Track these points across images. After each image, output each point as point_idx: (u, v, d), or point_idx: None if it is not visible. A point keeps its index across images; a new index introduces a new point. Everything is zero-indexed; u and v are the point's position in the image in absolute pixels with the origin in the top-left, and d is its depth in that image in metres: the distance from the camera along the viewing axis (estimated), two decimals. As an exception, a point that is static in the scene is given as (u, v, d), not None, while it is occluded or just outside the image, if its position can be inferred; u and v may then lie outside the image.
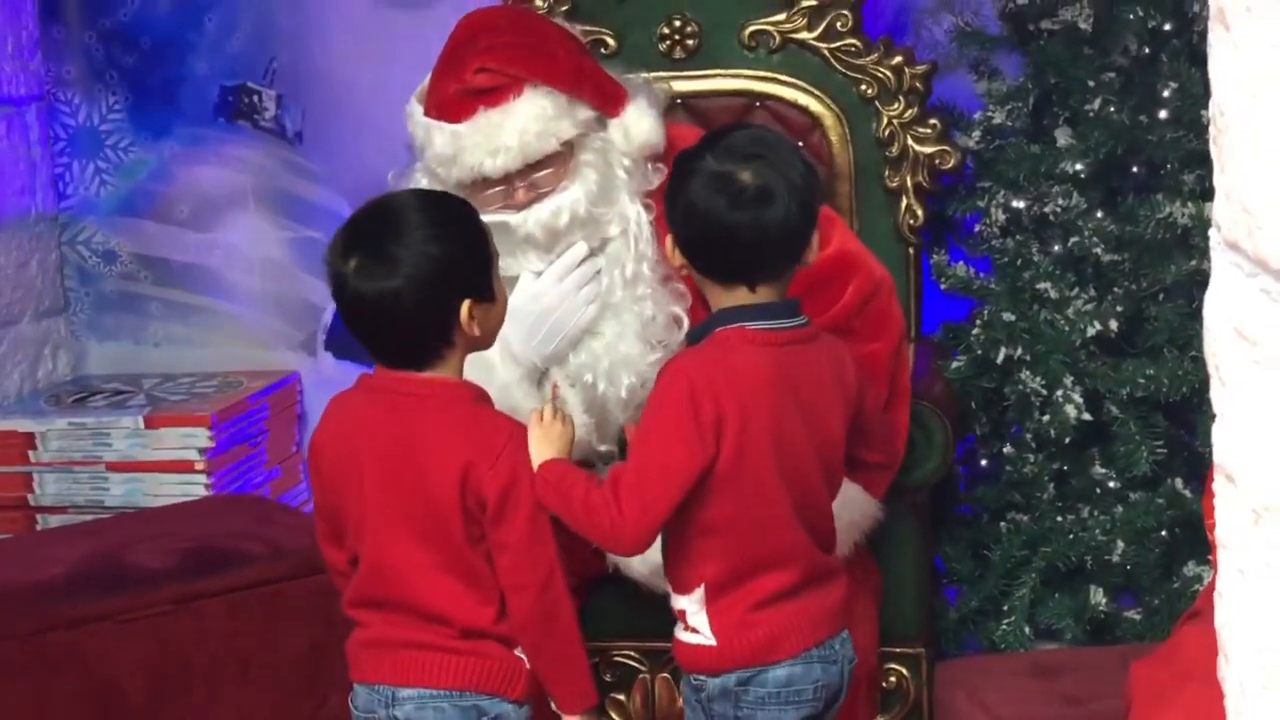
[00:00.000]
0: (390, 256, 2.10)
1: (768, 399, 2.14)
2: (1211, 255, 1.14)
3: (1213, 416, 1.13)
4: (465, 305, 2.13)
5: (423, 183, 2.60)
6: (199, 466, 3.57)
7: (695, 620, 2.20)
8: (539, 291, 2.60)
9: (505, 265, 2.57)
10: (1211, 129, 1.12)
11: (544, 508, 2.14)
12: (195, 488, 3.55)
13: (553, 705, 2.22)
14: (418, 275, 2.10)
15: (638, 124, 2.63)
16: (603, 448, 2.62)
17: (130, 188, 3.94)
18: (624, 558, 2.60)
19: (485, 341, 2.22)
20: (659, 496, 2.12)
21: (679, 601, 2.22)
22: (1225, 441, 1.13)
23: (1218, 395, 1.13)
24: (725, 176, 2.13)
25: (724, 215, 2.12)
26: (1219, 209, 1.11)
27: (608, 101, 2.63)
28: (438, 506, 2.13)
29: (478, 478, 2.11)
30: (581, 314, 2.60)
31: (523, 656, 2.18)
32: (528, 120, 2.52)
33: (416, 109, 2.63)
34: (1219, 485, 1.15)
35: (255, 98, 3.86)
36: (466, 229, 2.18)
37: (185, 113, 3.89)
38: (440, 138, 2.56)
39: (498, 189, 2.57)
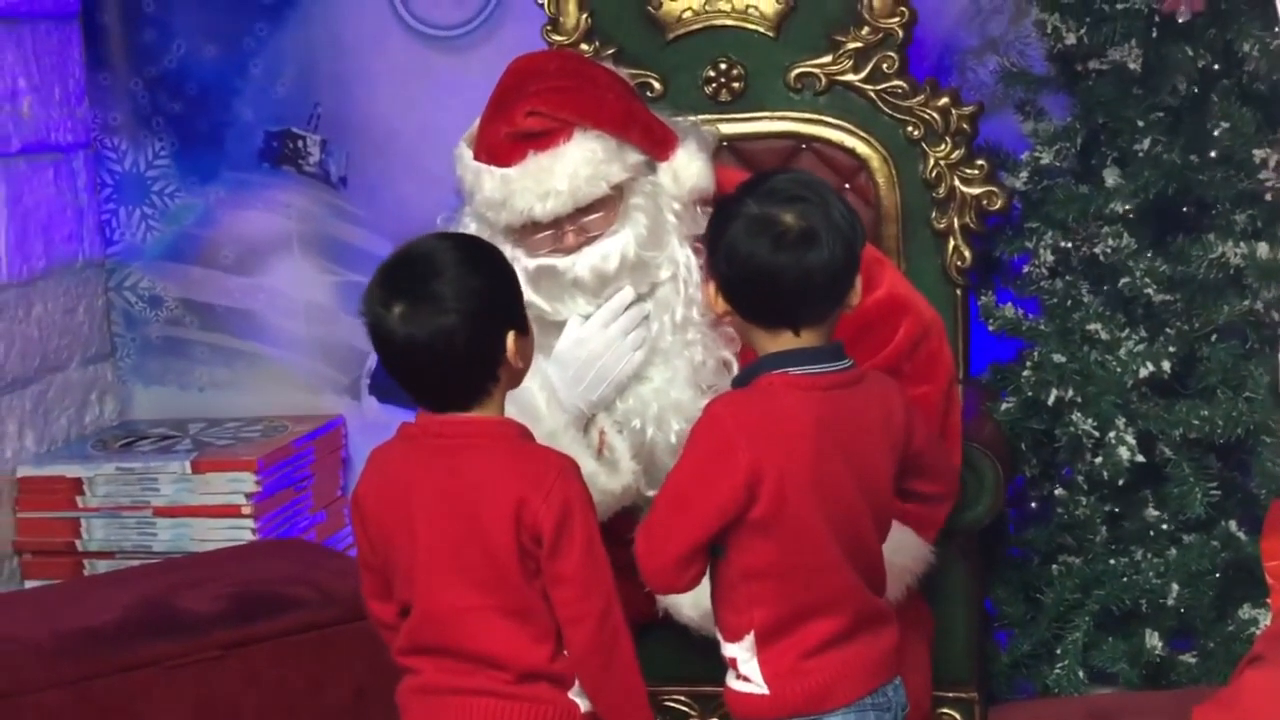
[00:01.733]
0: (436, 295, 2.10)
1: (811, 445, 2.12)
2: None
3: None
4: (511, 336, 2.14)
5: (471, 227, 2.60)
6: (246, 511, 3.57)
7: (747, 668, 2.18)
8: (585, 337, 2.59)
9: (553, 310, 2.57)
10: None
11: (598, 538, 2.14)
12: (242, 532, 3.56)
13: None
14: (468, 309, 2.10)
15: (687, 168, 2.62)
16: (650, 493, 2.60)
17: (176, 233, 3.96)
18: (674, 601, 2.60)
19: (520, 377, 2.22)
20: (668, 538, 2.13)
21: (729, 649, 2.20)
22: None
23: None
24: (767, 219, 2.12)
25: (767, 258, 2.11)
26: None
27: (657, 145, 2.63)
28: (492, 546, 2.12)
29: (532, 512, 2.11)
30: (628, 360, 2.59)
31: (576, 700, 2.17)
32: (578, 164, 2.52)
33: (465, 153, 2.63)
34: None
35: (300, 143, 3.88)
36: (498, 261, 2.20)
37: (230, 158, 3.91)
38: (490, 182, 2.55)
39: (547, 233, 2.57)
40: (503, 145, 2.56)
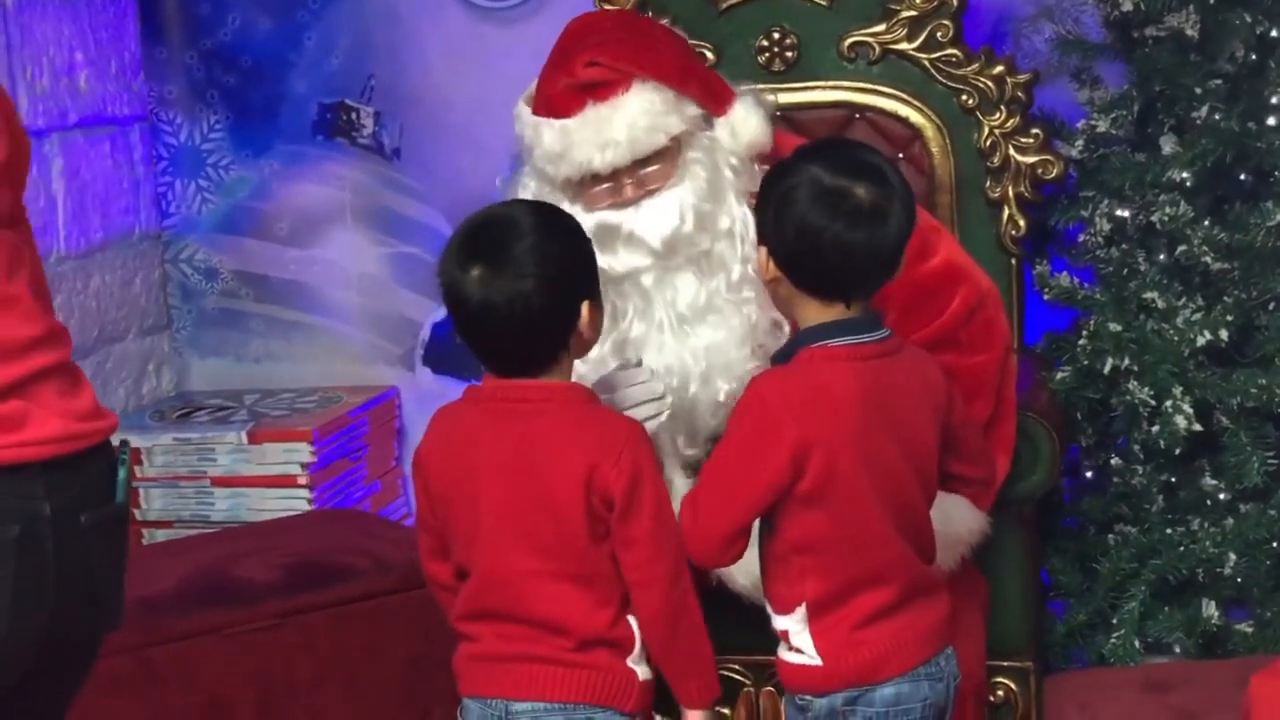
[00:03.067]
0: (516, 259, 2.11)
1: (858, 415, 2.12)
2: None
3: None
4: (585, 306, 2.15)
5: (530, 185, 2.60)
6: (301, 481, 3.60)
7: (799, 640, 2.19)
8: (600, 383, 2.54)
9: (609, 266, 2.55)
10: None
11: (668, 502, 2.16)
12: (298, 502, 3.58)
13: (678, 699, 2.22)
14: (547, 274, 2.11)
15: (745, 123, 2.60)
16: (689, 452, 2.59)
17: (231, 206, 3.98)
18: (727, 570, 2.60)
19: (588, 348, 2.23)
20: (717, 517, 2.14)
21: (781, 622, 2.21)
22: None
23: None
24: (841, 192, 2.11)
25: (841, 234, 2.10)
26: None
27: (714, 99, 2.61)
28: (558, 511, 2.13)
29: (603, 476, 2.12)
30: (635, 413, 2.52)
31: (634, 668, 2.18)
32: (636, 115, 2.50)
33: (524, 110, 2.62)
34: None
35: (353, 115, 3.89)
36: (578, 231, 2.21)
37: (284, 131, 3.93)
38: (549, 134, 2.55)
39: (606, 186, 2.55)
40: (561, 96, 2.54)
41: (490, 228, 2.16)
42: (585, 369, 2.45)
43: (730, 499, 2.14)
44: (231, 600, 2.90)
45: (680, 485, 2.52)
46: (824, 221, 2.11)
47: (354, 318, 3.96)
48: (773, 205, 2.15)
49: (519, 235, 2.13)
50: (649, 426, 2.47)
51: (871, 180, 2.12)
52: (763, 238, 2.19)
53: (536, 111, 2.58)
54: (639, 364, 2.50)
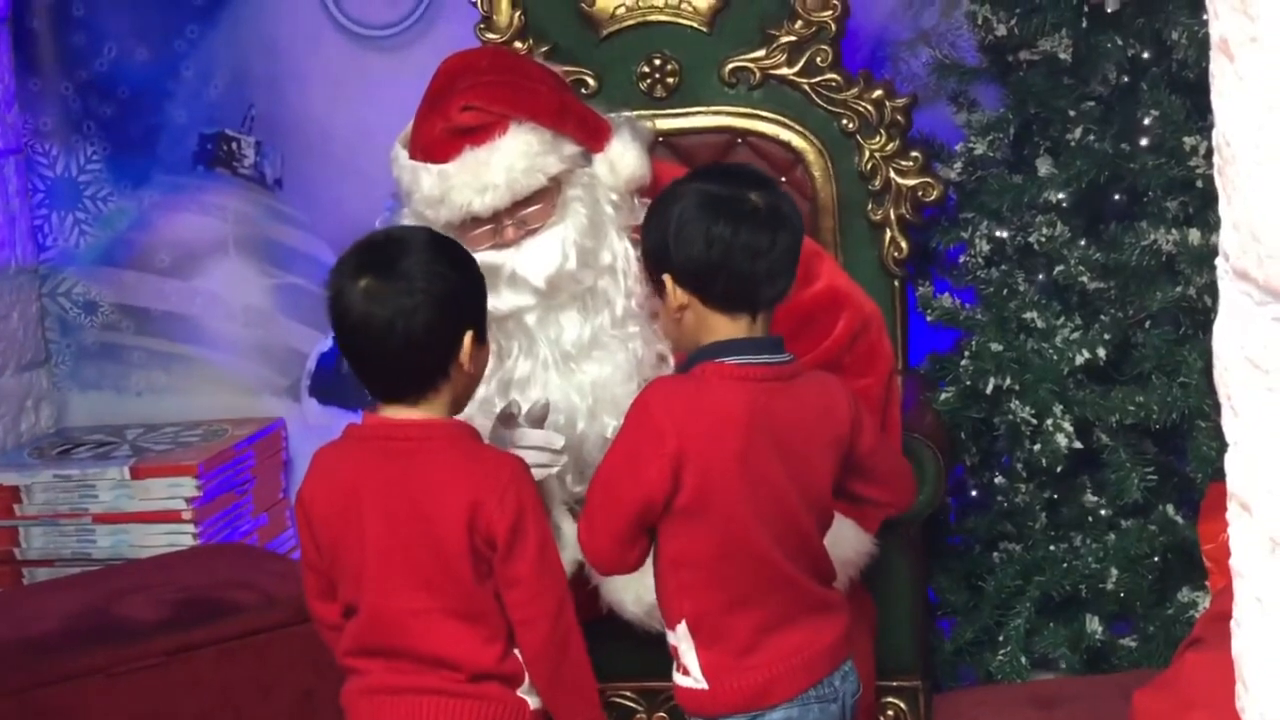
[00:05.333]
0: (406, 274, 2.11)
1: (741, 435, 2.13)
2: (1220, 284, 1.14)
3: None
4: (469, 335, 2.14)
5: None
6: (186, 516, 3.56)
7: (687, 659, 2.19)
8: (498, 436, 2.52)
9: (493, 305, 2.55)
10: (1216, 159, 1.12)
11: (551, 540, 2.15)
12: (183, 538, 3.54)
13: None
14: (434, 292, 2.11)
15: (623, 157, 2.62)
16: (578, 489, 2.59)
17: (110, 238, 3.93)
18: (618, 599, 2.60)
19: (470, 387, 2.22)
20: (604, 520, 2.15)
21: (670, 637, 2.22)
22: (1240, 470, 1.12)
23: (1230, 424, 1.13)
24: (738, 199, 2.14)
25: (748, 237, 2.12)
26: (1226, 238, 1.11)
27: (592, 136, 2.63)
28: (444, 548, 2.12)
29: (486, 516, 2.11)
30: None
31: (525, 697, 2.18)
32: (514, 157, 2.52)
33: (401, 153, 2.63)
34: (1233, 514, 1.15)
35: (234, 145, 3.86)
36: (471, 264, 2.21)
37: (164, 161, 3.89)
38: (428, 179, 2.55)
39: (486, 228, 2.56)
40: (438, 141, 2.55)
41: (385, 245, 2.17)
42: (472, 409, 2.44)
43: (614, 505, 2.15)
44: (116, 639, 2.86)
45: (568, 531, 2.51)
46: (729, 228, 2.12)
47: (238, 349, 3.93)
48: (669, 230, 2.15)
49: (411, 252, 2.13)
50: (536, 474, 2.46)
51: (761, 187, 2.17)
52: (660, 266, 2.18)
53: (413, 155, 2.58)
54: (545, 405, 2.49)
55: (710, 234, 2.12)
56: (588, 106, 2.71)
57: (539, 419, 2.47)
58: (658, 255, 2.19)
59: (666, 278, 2.17)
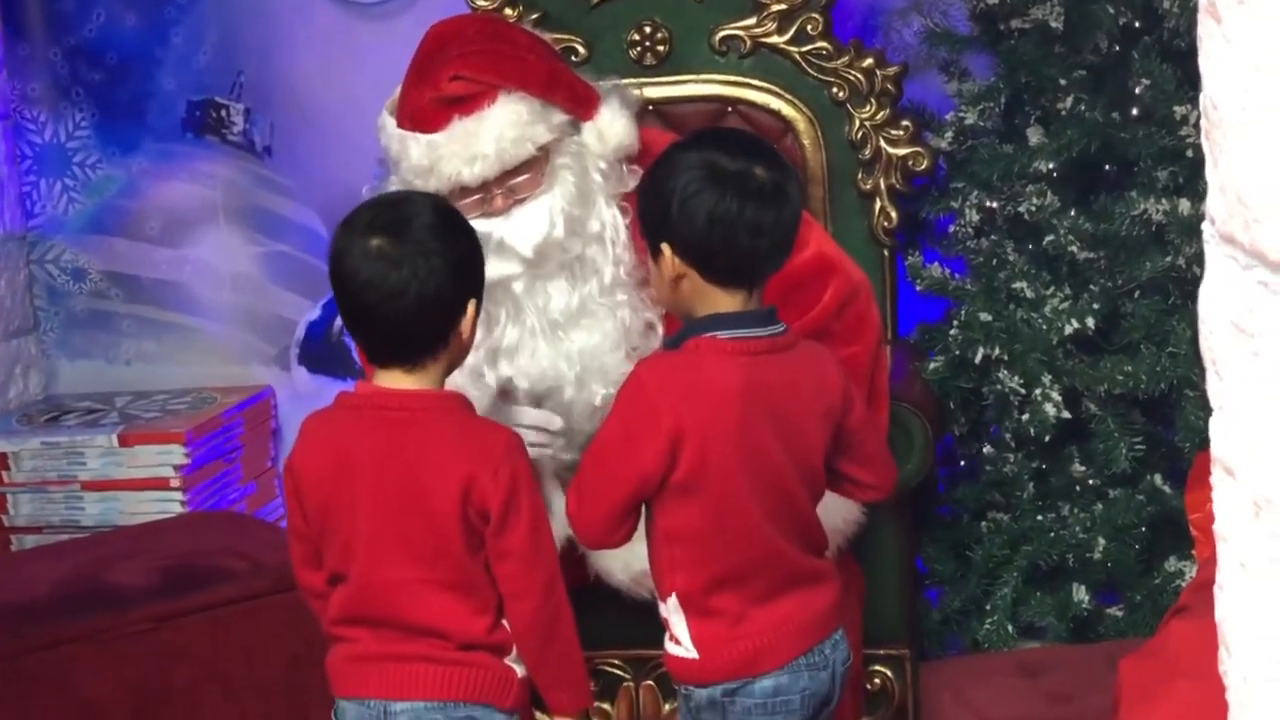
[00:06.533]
0: (421, 235, 2.09)
1: (737, 409, 2.12)
2: (1206, 249, 1.13)
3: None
4: (471, 304, 2.13)
5: None
6: (175, 484, 3.55)
7: (678, 630, 2.20)
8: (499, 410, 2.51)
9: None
10: (1203, 122, 1.11)
11: (544, 513, 2.15)
12: (171, 505, 3.54)
13: (548, 707, 2.23)
14: (449, 256, 2.10)
15: (611, 126, 2.61)
16: (567, 457, 2.59)
17: (98, 205, 3.92)
18: (605, 566, 2.60)
19: (461, 356, 2.21)
20: (596, 498, 2.15)
21: (662, 609, 2.22)
22: (1224, 435, 1.12)
23: (1215, 389, 1.13)
24: (745, 174, 2.11)
25: (753, 216, 2.10)
26: (1213, 202, 1.10)
27: (581, 105, 2.62)
28: (436, 520, 2.12)
29: (480, 489, 2.10)
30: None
31: (513, 666, 2.18)
32: (504, 127, 2.51)
33: (389, 122, 2.61)
34: (1217, 478, 1.15)
35: (223, 112, 3.84)
36: (473, 231, 2.20)
37: (153, 128, 3.87)
38: (416, 149, 2.54)
39: (475, 197, 2.55)
40: (427, 111, 2.54)
41: (397, 205, 2.15)
42: (463, 379, 2.44)
43: (608, 483, 2.15)
44: (105, 605, 2.86)
45: (558, 505, 2.50)
46: (735, 205, 2.10)
47: (227, 317, 3.92)
48: (673, 200, 2.12)
49: (423, 214, 2.12)
50: (531, 454, 2.46)
51: (767, 160, 2.14)
52: (659, 235, 2.16)
53: (401, 124, 2.57)
54: (547, 388, 2.50)
55: (716, 210, 2.10)
56: (576, 75, 2.70)
57: (539, 398, 2.47)
58: (657, 223, 2.17)
59: (665, 247, 2.15)
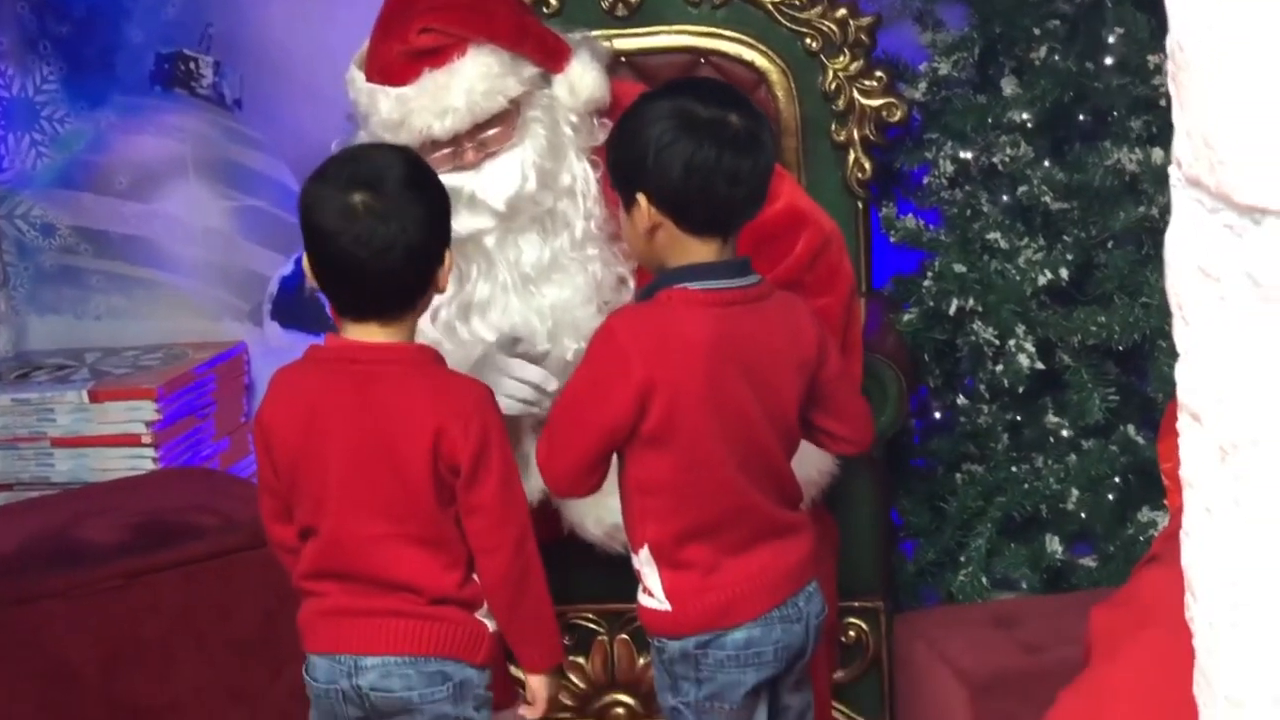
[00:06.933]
0: (401, 189, 2.08)
1: (708, 360, 2.12)
2: (1172, 193, 1.12)
3: (1167, 360, 1.12)
4: (448, 254, 2.12)
5: None
6: (146, 440, 3.53)
7: (650, 582, 2.20)
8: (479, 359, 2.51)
9: (452, 228, 2.53)
10: (1170, 65, 1.10)
11: (514, 468, 2.14)
12: (143, 462, 3.52)
13: (519, 663, 2.23)
14: (431, 208, 2.09)
15: (582, 79, 2.60)
16: (538, 411, 2.57)
17: (67, 159, 3.89)
18: (579, 519, 2.60)
19: (425, 309, 2.20)
20: (566, 448, 2.15)
21: (634, 560, 2.22)
22: (1190, 380, 1.12)
23: (1181, 334, 1.12)
24: (720, 122, 2.11)
25: (730, 163, 2.09)
26: (1179, 145, 1.09)
27: (551, 57, 2.60)
28: (406, 474, 2.11)
29: (450, 443, 2.10)
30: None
31: (484, 621, 2.17)
32: (474, 79, 2.49)
33: (358, 75, 2.59)
34: (1183, 424, 1.14)
35: (192, 65, 3.81)
36: (441, 183, 2.18)
37: (121, 82, 3.83)
38: (386, 103, 2.52)
39: (446, 151, 2.53)
40: (396, 64, 2.52)
41: (372, 157, 2.14)
42: (436, 333, 2.43)
43: (577, 432, 2.14)
44: (76, 562, 2.84)
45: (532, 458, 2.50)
46: (713, 153, 2.10)
47: (199, 272, 3.89)
48: (649, 150, 2.11)
49: (395, 167, 2.10)
50: (518, 409, 2.45)
51: (740, 108, 2.14)
52: (633, 185, 2.14)
53: (370, 78, 2.55)
54: (545, 353, 2.48)
55: (694, 159, 2.09)
56: (546, 27, 2.68)
57: (539, 358, 2.47)
58: (632, 173, 2.15)
59: (641, 197, 2.14)
